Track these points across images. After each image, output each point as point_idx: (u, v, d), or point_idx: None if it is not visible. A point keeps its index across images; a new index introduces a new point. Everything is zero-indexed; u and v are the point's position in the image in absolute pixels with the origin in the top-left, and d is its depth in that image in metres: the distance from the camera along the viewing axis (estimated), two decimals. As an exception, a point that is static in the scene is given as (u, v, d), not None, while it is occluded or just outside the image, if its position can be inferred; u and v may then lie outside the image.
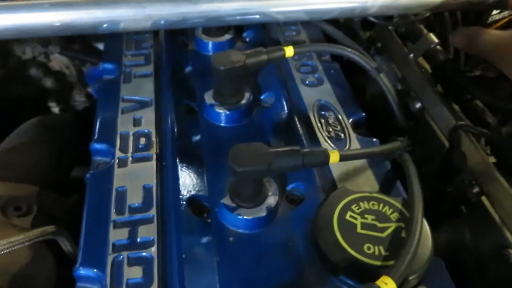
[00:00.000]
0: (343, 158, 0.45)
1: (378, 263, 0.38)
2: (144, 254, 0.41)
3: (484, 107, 0.67)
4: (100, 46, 0.92)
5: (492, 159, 0.60)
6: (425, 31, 0.73)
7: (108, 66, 0.64)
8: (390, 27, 0.78)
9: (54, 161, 0.73)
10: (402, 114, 0.57)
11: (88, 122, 0.94)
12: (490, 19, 0.88)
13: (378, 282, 0.34)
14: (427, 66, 0.73)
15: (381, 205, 0.42)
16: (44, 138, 0.76)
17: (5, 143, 0.73)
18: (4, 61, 0.93)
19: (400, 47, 0.76)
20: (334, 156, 0.44)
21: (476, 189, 0.55)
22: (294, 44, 0.69)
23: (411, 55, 0.72)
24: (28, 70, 0.98)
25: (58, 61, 0.98)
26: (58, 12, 0.57)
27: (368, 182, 0.48)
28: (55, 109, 1.05)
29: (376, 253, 0.38)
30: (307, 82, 0.62)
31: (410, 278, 0.37)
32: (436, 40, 0.70)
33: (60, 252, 0.53)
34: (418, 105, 0.68)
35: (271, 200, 0.46)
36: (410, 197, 0.42)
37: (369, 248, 0.39)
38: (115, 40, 0.68)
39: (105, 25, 0.60)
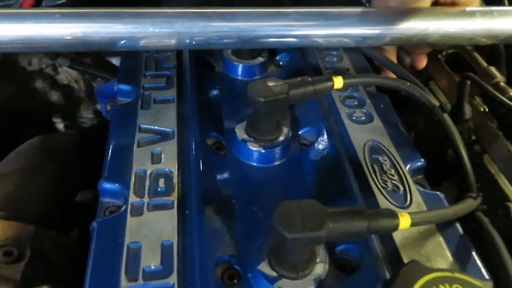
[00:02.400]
0: (415, 223, 0.36)
1: None
2: None
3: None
4: (114, 60, 0.84)
5: None
6: (477, 56, 0.65)
7: (124, 87, 0.55)
8: (439, 56, 0.71)
9: (56, 189, 0.64)
10: (471, 165, 0.47)
11: (95, 141, 0.86)
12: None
13: None
14: (483, 105, 0.64)
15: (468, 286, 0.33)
16: (46, 162, 0.67)
17: (0, 166, 0.64)
18: (7, 72, 0.85)
19: (450, 76, 0.68)
20: (405, 221, 0.35)
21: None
22: (337, 72, 0.61)
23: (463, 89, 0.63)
24: (34, 83, 0.90)
25: (67, 74, 0.90)
26: (69, 24, 0.49)
27: (439, 252, 0.39)
28: (60, 125, 0.97)
29: None
30: (353, 117, 0.53)
31: None
32: (498, 75, 0.62)
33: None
34: (477, 148, 0.60)
35: (320, 269, 0.37)
36: (506, 281, 0.33)
37: None
38: (133, 57, 0.60)
39: (123, 42, 0.52)
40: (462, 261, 0.39)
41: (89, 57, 0.83)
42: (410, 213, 0.36)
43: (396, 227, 0.35)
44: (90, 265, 0.37)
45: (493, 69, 0.63)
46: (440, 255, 0.39)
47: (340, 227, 0.33)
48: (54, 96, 0.94)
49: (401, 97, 0.62)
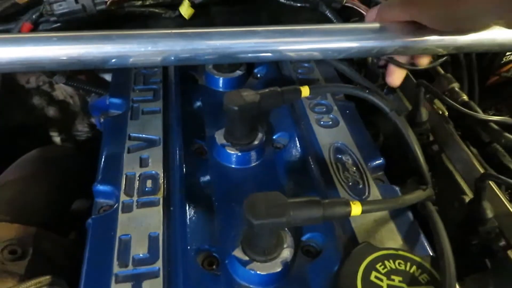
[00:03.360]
0: (365, 211, 0.42)
1: (409, 334, 0.34)
2: (149, 314, 0.38)
3: (505, 152, 0.65)
4: (107, 77, 0.90)
5: None
6: (442, 72, 0.71)
7: (115, 100, 0.61)
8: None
9: (53, 197, 0.70)
10: (425, 161, 0.54)
11: (90, 153, 0.91)
12: (504, 59, 0.88)
13: None
14: (443, 108, 0.71)
15: (409, 264, 0.39)
16: (44, 172, 0.72)
17: (2, 177, 0.70)
18: (6, 90, 0.90)
19: (414, 86, 0.74)
20: (356, 209, 0.41)
21: (502, 242, 0.52)
22: (308, 82, 0.67)
23: (428, 95, 0.70)
24: (31, 99, 0.96)
25: (62, 90, 0.96)
26: (65, 46, 0.54)
27: (390, 236, 0.45)
28: (57, 139, 1.02)
29: (407, 322, 0.35)
30: (321, 122, 0.59)
31: None
32: (455, 84, 0.69)
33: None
34: (436, 147, 0.66)
35: (287, 253, 0.43)
36: (440, 257, 0.39)
37: (398, 316, 0.35)
38: (123, 74, 0.66)
39: (113, 60, 0.58)
40: (410, 242, 0.45)
41: (83, 74, 0.89)
42: (361, 202, 0.42)
43: (348, 214, 0.41)
44: (87, 254, 0.43)
45: (448, 76, 0.69)
46: (391, 238, 0.45)
47: (299, 213, 0.39)
48: (51, 111, 0.99)
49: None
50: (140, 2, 0.70)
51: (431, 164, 0.66)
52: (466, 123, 0.67)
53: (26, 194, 0.66)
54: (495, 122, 0.65)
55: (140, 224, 0.45)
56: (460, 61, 0.81)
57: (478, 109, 0.66)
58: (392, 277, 0.38)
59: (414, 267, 0.39)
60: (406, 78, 0.76)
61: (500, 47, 0.63)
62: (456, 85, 0.68)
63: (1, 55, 0.51)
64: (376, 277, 0.37)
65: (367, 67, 0.78)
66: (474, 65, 0.83)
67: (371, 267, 0.38)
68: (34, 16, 0.65)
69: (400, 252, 0.40)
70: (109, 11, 0.67)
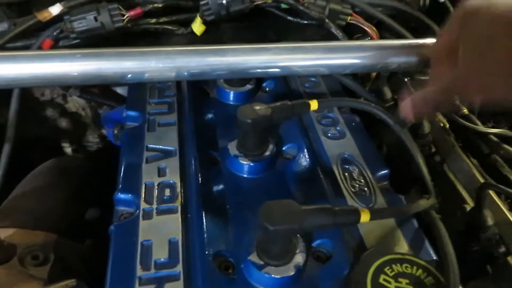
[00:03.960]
0: (373, 217, 0.45)
1: (416, 332, 0.36)
2: (171, 314, 0.40)
3: (504, 162, 0.68)
4: (118, 90, 0.93)
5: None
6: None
7: (132, 113, 0.64)
8: (406, 80, 0.80)
9: (69, 206, 0.73)
10: (428, 171, 0.56)
11: (101, 164, 0.94)
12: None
13: None
14: (444, 120, 0.74)
15: (415, 268, 0.41)
16: (60, 182, 0.75)
17: (21, 186, 0.72)
18: (22, 102, 0.94)
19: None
20: (365, 215, 0.44)
21: (502, 249, 0.55)
22: (315, 95, 0.71)
23: (429, 109, 0.73)
24: (45, 111, 0.99)
25: (75, 102, 1.00)
26: (88, 62, 0.58)
27: (397, 242, 0.48)
28: (68, 149, 1.05)
29: (414, 321, 0.37)
30: (329, 134, 0.62)
31: None
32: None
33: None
34: (438, 158, 0.69)
35: (299, 258, 0.45)
36: (444, 261, 0.42)
37: (405, 316, 0.38)
38: (139, 88, 0.69)
39: (131, 75, 0.61)
40: (416, 248, 0.47)
41: (96, 87, 0.92)
42: (369, 209, 0.45)
43: (358, 220, 0.44)
44: (111, 259, 0.45)
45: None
46: (397, 244, 0.48)
47: (312, 220, 0.42)
48: (63, 123, 1.02)
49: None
50: (154, 20, 0.74)
51: (434, 174, 0.68)
52: (466, 135, 0.71)
53: (45, 204, 0.69)
54: (494, 134, 0.68)
55: (160, 230, 0.47)
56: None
57: (478, 122, 0.69)
58: (400, 279, 0.40)
59: (420, 271, 0.41)
60: (409, 90, 0.80)
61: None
62: (456, 99, 0.71)
63: (29, 70, 0.55)
64: (384, 279, 0.40)
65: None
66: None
67: (379, 270, 0.41)
68: (54, 33, 0.68)
69: (407, 257, 0.42)
70: (126, 28, 0.70)
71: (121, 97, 0.93)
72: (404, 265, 0.42)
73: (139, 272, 0.44)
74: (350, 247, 0.48)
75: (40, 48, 0.70)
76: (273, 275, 0.44)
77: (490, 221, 0.53)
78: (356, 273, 0.41)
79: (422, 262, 0.42)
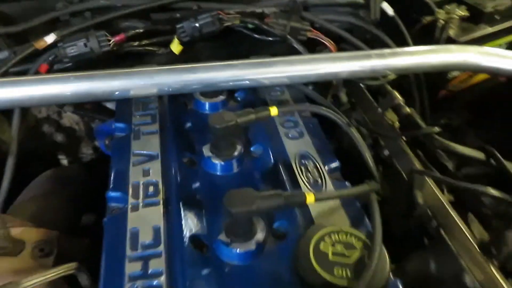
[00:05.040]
0: (318, 199, 0.55)
1: (345, 283, 0.47)
2: (154, 283, 0.50)
3: (443, 154, 0.79)
4: (109, 105, 1.03)
5: (450, 197, 0.71)
6: (389, 89, 0.85)
7: (120, 125, 0.74)
8: (361, 85, 0.91)
9: (68, 210, 0.83)
10: (373, 161, 0.67)
11: (94, 173, 1.04)
12: (450, 76, 1.02)
13: (344, 296, 0.43)
14: (394, 119, 0.85)
15: (349, 236, 0.52)
16: (58, 189, 0.85)
17: (25, 194, 0.82)
18: (22, 120, 1.03)
19: (371, 102, 0.88)
20: (310, 198, 0.54)
21: (434, 223, 0.65)
22: (279, 103, 0.81)
23: (379, 109, 0.84)
24: (42, 127, 1.08)
25: (69, 118, 1.09)
26: (81, 84, 0.68)
27: (340, 219, 0.58)
28: (64, 161, 1.15)
29: (344, 275, 0.48)
30: (290, 135, 0.73)
31: (372, 293, 0.46)
32: (399, 97, 0.83)
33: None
34: (386, 152, 0.80)
35: (260, 236, 0.56)
36: (372, 230, 0.52)
37: (338, 272, 0.48)
38: (125, 102, 0.80)
39: (118, 93, 0.72)
40: (356, 223, 0.58)
41: (88, 103, 1.02)
42: (314, 192, 0.55)
43: (304, 201, 0.54)
44: (105, 244, 0.55)
45: (395, 92, 0.83)
46: (341, 221, 0.58)
47: (265, 203, 0.52)
48: (59, 137, 1.12)
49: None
50: (137, 43, 0.84)
51: (384, 165, 0.79)
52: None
53: (46, 209, 0.79)
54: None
55: (146, 219, 0.57)
56: (410, 80, 0.96)
57: (419, 120, 0.79)
58: (336, 245, 0.50)
59: (352, 238, 0.51)
60: (363, 93, 0.91)
61: (433, 68, 0.78)
62: (401, 100, 0.82)
63: (30, 92, 0.65)
64: (324, 246, 0.50)
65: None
66: (423, 83, 0.97)
67: (320, 239, 0.51)
68: (50, 58, 0.78)
69: (343, 228, 0.53)
70: (112, 51, 0.81)
71: (111, 111, 1.03)
72: (340, 234, 0.52)
73: (128, 252, 0.53)
74: (302, 226, 0.58)
75: (37, 71, 0.81)
76: (237, 250, 0.54)
77: (420, 200, 0.64)
78: (302, 243, 0.51)
79: (355, 232, 0.52)
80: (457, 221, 0.64)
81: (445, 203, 0.66)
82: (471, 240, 0.61)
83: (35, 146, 1.11)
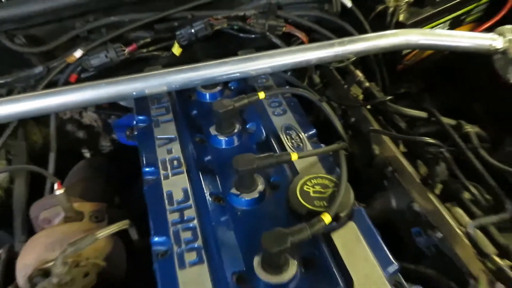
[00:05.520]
0: (300, 157, 0.76)
1: (322, 209, 0.68)
2: (190, 225, 0.71)
3: (397, 117, 1.00)
4: (122, 103, 1.22)
5: (403, 149, 0.92)
6: (352, 68, 1.06)
7: (142, 118, 0.94)
8: (331, 67, 1.12)
9: (104, 191, 1.02)
10: (342, 127, 0.88)
11: (113, 161, 1.23)
12: (404, 52, 1.23)
13: (321, 216, 0.64)
14: (358, 92, 1.06)
15: (324, 180, 0.73)
16: (94, 176, 1.05)
17: (68, 180, 1.02)
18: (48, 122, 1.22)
19: (339, 81, 1.09)
20: (294, 156, 0.75)
21: (390, 169, 0.87)
22: (265, 88, 1.01)
23: (345, 85, 1.05)
24: (66, 126, 1.27)
25: (89, 117, 1.28)
26: (108, 88, 0.88)
27: (318, 169, 0.79)
28: (87, 154, 1.34)
29: (322, 205, 0.69)
30: (275, 113, 0.93)
31: (341, 214, 0.67)
32: (360, 74, 1.04)
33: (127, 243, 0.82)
34: (353, 119, 1.01)
35: (260, 187, 0.76)
36: (340, 173, 0.73)
37: (318, 203, 0.69)
38: (142, 100, 0.99)
39: (135, 92, 0.92)
40: (329, 172, 0.79)
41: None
42: (297, 152, 0.76)
43: (289, 159, 0.75)
44: (149, 205, 0.75)
45: (358, 72, 1.04)
46: (318, 170, 0.79)
47: (261, 162, 0.73)
48: (81, 134, 1.31)
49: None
50: (145, 50, 1.03)
51: (352, 130, 1.01)
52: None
53: (89, 190, 0.98)
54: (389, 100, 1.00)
55: (175, 184, 0.78)
56: (371, 59, 1.16)
57: (376, 92, 1.00)
58: (315, 186, 0.72)
59: (326, 180, 0.73)
60: (332, 74, 1.11)
61: (383, 50, 0.98)
62: (362, 77, 1.03)
63: (72, 98, 0.85)
64: (306, 187, 0.71)
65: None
66: (381, 60, 1.18)
67: (304, 183, 0.72)
68: (78, 69, 0.97)
69: (320, 174, 0.74)
70: (126, 59, 1.00)
71: (124, 108, 1.22)
72: (318, 179, 0.73)
73: (167, 207, 0.74)
74: (291, 177, 0.79)
75: (67, 81, 1.00)
76: (245, 199, 0.75)
77: (376, 150, 0.85)
78: (291, 187, 0.72)
79: (328, 176, 0.73)
80: (406, 166, 0.86)
81: (397, 153, 0.88)
82: (416, 178, 0.83)
83: (61, 143, 1.30)
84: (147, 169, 0.82)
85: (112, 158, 1.34)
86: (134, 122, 0.97)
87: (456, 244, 0.72)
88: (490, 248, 0.67)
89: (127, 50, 0.99)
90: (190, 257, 0.67)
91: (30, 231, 0.96)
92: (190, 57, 1.06)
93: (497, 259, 0.63)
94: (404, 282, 0.65)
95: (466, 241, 0.71)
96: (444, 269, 0.74)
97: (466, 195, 0.80)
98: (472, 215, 0.75)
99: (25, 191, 1.01)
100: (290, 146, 0.85)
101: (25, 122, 1.12)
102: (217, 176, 0.83)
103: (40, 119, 1.22)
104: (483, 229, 0.71)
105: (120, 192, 1.17)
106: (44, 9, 0.94)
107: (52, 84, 0.99)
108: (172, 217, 0.73)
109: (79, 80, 1.00)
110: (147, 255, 0.71)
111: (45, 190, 0.99)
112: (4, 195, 1.03)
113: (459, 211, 0.77)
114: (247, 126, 0.94)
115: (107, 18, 1.02)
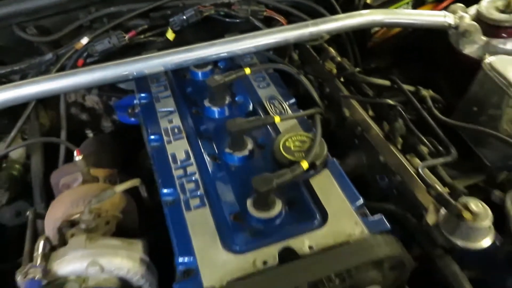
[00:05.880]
0: (282, 119, 0.91)
1: (301, 159, 0.83)
2: (193, 178, 0.85)
3: (365, 85, 1.15)
4: (121, 85, 1.35)
5: (372, 113, 1.08)
6: (326, 46, 1.21)
7: (144, 95, 1.08)
8: (307, 46, 1.26)
9: (113, 162, 1.16)
10: (317, 95, 1.03)
11: (114, 139, 1.36)
12: (373, 30, 1.38)
13: (300, 163, 0.79)
14: (333, 66, 1.21)
15: (302, 137, 0.88)
16: (102, 149, 1.19)
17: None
18: (57, 105, 1.34)
19: (314, 57, 1.24)
20: (277, 119, 0.90)
21: (359, 128, 1.02)
22: (250, 65, 1.16)
23: (320, 61, 1.20)
24: (71, 110, 1.40)
25: (91, 99, 1.41)
26: (108, 71, 1.01)
27: (297, 129, 0.94)
28: (90, 135, 1.47)
29: (301, 156, 0.84)
30: (260, 86, 1.08)
31: (317, 162, 0.82)
32: (333, 51, 1.18)
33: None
34: (327, 90, 1.16)
35: (250, 146, 0.91)
36: (315, 130, 0.88)
37: (297, 155, 0.84)
38: (142, 80, 1.12)
39: (135, 73, 1.05)
40: (307, 131, 0.93)
41: (106, 85, 1.33)
42: (279, 115, 0.91)
43: (273, 121, 0.89)
44: (157, 166, 0.89)
45: (331, 49, 1.19)
46: (297, 130, 0.93)
47: (250, 124, 0.87)
48: (84, 116, 1.44)
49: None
50: (143, 36, 1.16)
51: (328, 100, 1.15)
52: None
53: (100, 161, 1.11)
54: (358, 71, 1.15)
55: (178, 147, 0.92)
56: (343, 37, 1.31)
57: (347, 65, 1.15)
58: (295, 142, 0.86)
59: (304, 137, 0.87)
60: (309, 52, 1.26)
61: (351, 28, 1.13)
62: (334, 53, 1.17)
63: (76, 81, 0.98)
64: (288, 143, 0.86)
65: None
66: (353, 38, 1.33)
67: (286, 140, 0.87)
68: (84, 55, 1.10)
69: (299, 133, 0.89)
70: (127, 44, 1.13)
71: (123, 90, 1.35)
72: (298, 136, 0.88)
73: (172, 165, 0.88)
74: (274, 137, 0.93)
75: (74, 65, 1.12)
76: (238, 156, 0.89)
77: (347, 113, 1.00)
78: (275, 143, 0.87)
79: (306, 134, 0.88)
80: (373, 125, 1.01)
81: (365, 116, 1.03)
82: (381, 135, 0.98)
83: (67, 125, 1.42)
84: (152, 137, 0.96)
85: (113, 137, 1.47)
86: (136, 101, 1.11)
87: (412, 184, 0.87)
88: (436, 183, 0.83)
89: (127, 36, 1.12)
90: (194, 202, 0.82)
91: (47, 199, 1.10)
92: (182, 41, 1.19)
93: (439, 187, 0.79)
94: (368, 212, 0.80)
95: (420, 181, 0.86)
96: (404, 206, 0.89)
97: (423, 148, 0.96)
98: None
99: (41, 164, 1.14)
100: (274, 113, 1.00)
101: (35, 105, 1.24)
102: (212, 141, 0.97)
103: (47, 103, 1.34)
104: (433, 171, 0.87)
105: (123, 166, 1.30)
106: (51, 2, 1.06)
107: (61, 69, 1.11)
108: (177, 173, 0.87)
109: (85, 65, 1.12)
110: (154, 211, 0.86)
111: (58, 161, 1.12)
112: (22, 170, 1.16)
113: (416, 159, 0.93)
114: (236, 99, 1.08)
115: (107, 9, 1.14)
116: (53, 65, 1.12)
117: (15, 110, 1.13)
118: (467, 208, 0.73)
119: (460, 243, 0.74)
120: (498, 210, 0.79)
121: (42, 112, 1.34)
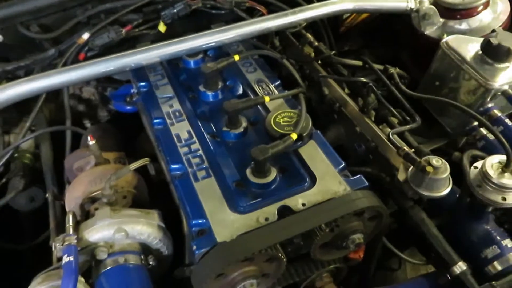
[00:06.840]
0: (271, 99, 1.04)
1: (290, 131, 0.96)
2: (198, 154, 0.98)
3: (341, 67, 1.29)
4: (116, 76, 1.44)
5: (348, 91, 1.22)
6: (303, 32, 1.34)
7: (143, 83, 1.19)
8: (287, 33, 1.39)
9: (117, 148, 1.27)
10: (299, 76, 1.16)
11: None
12: (344, 16, 1.52)
13: (290, 135, 0.93)
14: (311, 50, 1.34)
15: (291, 113, 1.01)
16: (106, 136, 1.29)
17: (84, 140, 1.25)
18: (56, 98, 1.43)
19: (294, 43, 1.37)
20: (267, 98, 1.03)
21: (337, 104, 1.17)
22: (238, 52, 1.28)
23: (300, 46, 1.33)
24: (69, 101, 1.48)
25: (88, 91, 1.50)
26: (108, 64, 1.11)
27: (285, 107, 1.07)
28: (88, 125, 1.56)
29: (290, 129, 0.97)
30: (248, 71, 1.20)
31: (304, 134, 0.96)
32: (310, 36, 1.32)
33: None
34: (307, 71, 1.29)
35: (244, 124, 1.04)
36: (301, 108, 1.02)
37: (287, 128, 0.98)
38: (139, 70, 1.23)
39: (133, 64, 1.16)
40: (293, 108, 1.07)
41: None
42: (269, 96, 1.04)
43: (263, 101, 1.03)
44: (163, 144, 1.01)
45: (308, 34, 1.32)
46: (285, 108, 1.07)
47: (244, 104, 1.00)
48: (81, 107, 1.53)
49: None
50: (137, 29, 1.27)
51: (308, 80, 1.29)
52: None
53: (106, 146, 1.22)
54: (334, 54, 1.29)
55: (181, 128, 1.04)
56: (318, 24, 1.44)
57: (323, 49, 1.28)
58: (284, 118, 1.00)
59: (292, 113, 1.01)
60: (289, 38, 1.39)
61: (325, 16, 1.26)
62: (311, 38, 1.31)
63: (78, 75, 1.08)
64: (277, 119, 1.00)
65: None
66: (327, 24, 1.46)
67: (275, 117, 1.00)
68: (85, 49, 1.20)
69: (287, 110, 1.02)
70: (124, 38, 1.23)
71: (118, 81, 1.45)
72: (286, 113, 1.01)
73: (177, 144, 1.01)
74: (265, 115, 1.07)
75: (76, 59, 1.22)
76: (234, 132, 1.02)
77: (327, 93, 1.15)
78: (267, 120, 1.00)
79: (293, 111, 1.02)
80: (349, 101, 1.15)
81: (342, 93, 1.17)
82: (357, 109, 1.13)
83: (64, 117, 1.51)
84: (156, 120, 1.08)
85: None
86: (134, 90, 1.22)
87: (384, 149, 1.03)
88: (404, 146, 0.98)
89: (124, 30, 1.22)
90: (201, 174, 0.95)
91: (58, 184, 1.21)
92: (173, 33, 1.30)
93: (406, 148, 0.94)
94: (349, 174, 0.95)
95: (391, 146, 1.01)
96: (379, 168, 1.05)
97: (393, 119, 1.11)
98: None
99: (50, 153, 1.24)
100: (263, 94, 1.13)
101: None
102: (210, 121, 1.10)
103: (46, 96, 1.43)
104: (402, 137, 1.03)
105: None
106: (52, 1, 1.15)
107: (65, 63, 1.20)
108: (182, 150, 1.00)
109: (86, 58, 1.22)
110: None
111: (65, 148, 1.22)
112: (33, 158, 1.26)
113: (387, 128, 1.08)
114: (227, 83, 1.20)
115: (103, 5, 1.24)
116: (56, 60, 1.21)
117: (22, 103, 1.22)
118: (429, 163, 0.88)
119: (425, 193, 0.90)
120: (458, 170, 0.94)
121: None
